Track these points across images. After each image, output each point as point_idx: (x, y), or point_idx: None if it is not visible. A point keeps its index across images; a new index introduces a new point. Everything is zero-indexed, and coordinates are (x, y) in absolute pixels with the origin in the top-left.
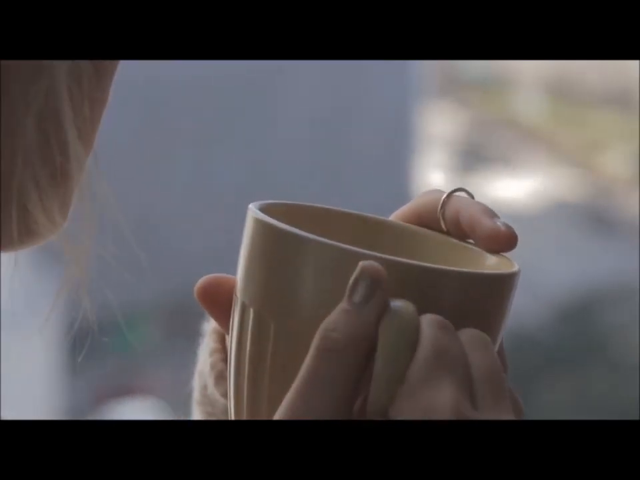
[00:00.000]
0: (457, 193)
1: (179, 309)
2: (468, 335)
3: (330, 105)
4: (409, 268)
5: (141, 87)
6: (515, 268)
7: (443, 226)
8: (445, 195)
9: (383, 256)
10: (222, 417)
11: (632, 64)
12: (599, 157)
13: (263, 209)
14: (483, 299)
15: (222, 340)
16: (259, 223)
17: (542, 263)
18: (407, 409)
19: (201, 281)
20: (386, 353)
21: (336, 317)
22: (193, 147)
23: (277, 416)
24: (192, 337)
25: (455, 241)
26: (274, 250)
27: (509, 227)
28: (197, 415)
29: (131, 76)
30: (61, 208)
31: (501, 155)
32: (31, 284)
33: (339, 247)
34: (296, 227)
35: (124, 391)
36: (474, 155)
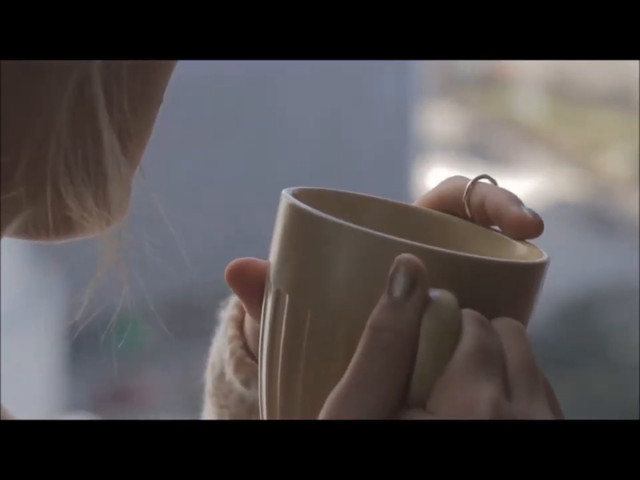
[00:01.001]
0: (482, 180)
1: (179, 308)
2: (503, 324)
3: (330, 104)
4: (446, 257)
5: None
6: (545, 256)
7: (468, 212)
8: (470, 182)
9: (419, 244)
10: (234, 409)
11: (632, 64)
12: (599, 157)
13: (296, 195)
14: (517, 288)
15: (240, 327)
16: (293, 209)
17: None
18: (445, 402)
19: (232, 264)
20: (428, 345)
21: (381, 314)
22: (194, 147)
23: (324, 413)
24: (192, 337)
25: (482, 228)
26: (310, 237)
27: (535, 214)
28: (208, 407)
29: None
30: (96, 197)
31: (501, 154)
32: (31, 284)
33: (375, 234)
34: (328, 213)
35: (123, 391)
36: (474, 155)
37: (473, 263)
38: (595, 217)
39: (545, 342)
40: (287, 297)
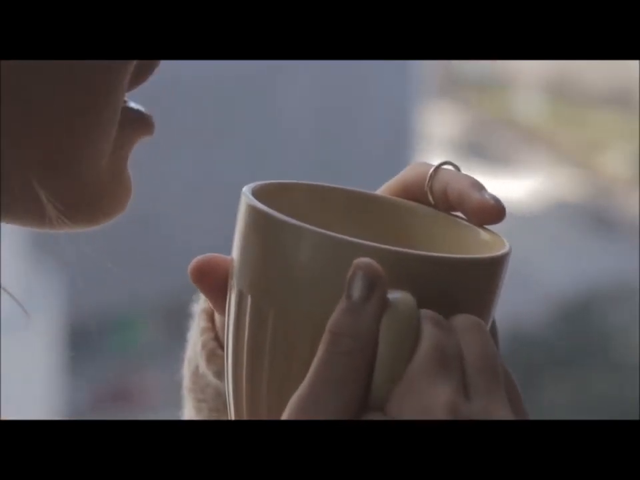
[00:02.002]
0: (445, 166)
1: (178, 308)
2: (461, 321)
3: (330, 104)
4: (404, 256)
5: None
6: (506, 246)
7: (431, 199)
8: (432, 169)
9: (376, 245)
10: (212, 403)
11: (632, 64)
12: (599, 157)
13: (256, 192)
14: (478, 283)
15: (211, 319)
16: (252, 209)
17: (542, 262)
18: (404, 406)
19: (195, 261)
20: (386, 349)
21: (340, 319)
22: (194, 146)
23: (286, 415)
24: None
25: (445, 215)
26: (268, 239)
27: (497, 200)
28: (187, 403)
29: None
30: (82, 194)
31: (501, 154)
32: (31, 284)
33: (332, 236)
34: (290, 206)
35: (123, 391)
36: (474, 155)
37: (432, 261)
38: (595, 217)
39: (545, 342)
40: (249, 297)
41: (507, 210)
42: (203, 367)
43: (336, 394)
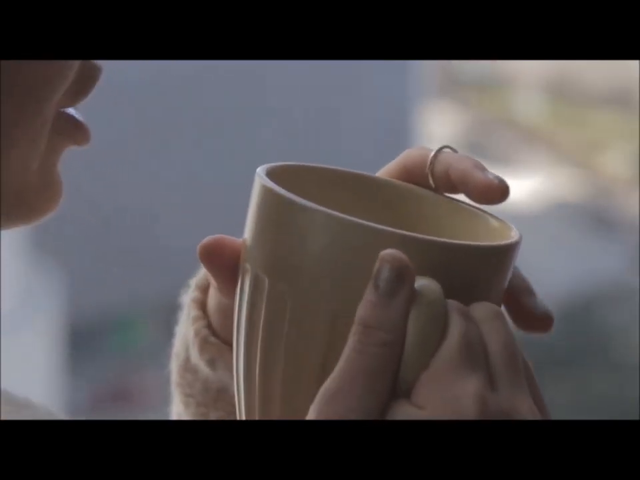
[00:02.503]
0: (444, 150)
1: (178, 308)
2: (482, 310)
3: (330, 104)
4: (423, 243)
5: (137, 84)
6: (516, 231)
7: (431, 182)
8: (433, 151)
9: (396, 231)
10: (200, 398)
11: (632, 64)
12: (599, 157)
13: (270, 173)
14: (494, 270)
15: (203, 308)
16: (268, 191)
17: (542, 262)
18: (431, 396)
19: (205, 241)
20: (415, 338)
21: (371, 312)
22: (193, 146)
23: (315, 407)
24: None
25: (451, 200)
26: (285, 221)
27: (500, 179)
28: (175, 398)
29: (124, 72)
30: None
31: (501, 154)
32: (31, 284)
33: (351, 220)
34: (302, 188)
35: (123, 391)
36: (474, 155)
37: (452, 248)
38: (595, 217)
39: (545, 342)
40: (267, 281)
41: (507, 210)
42: (196, 356)
43: (369, 385)
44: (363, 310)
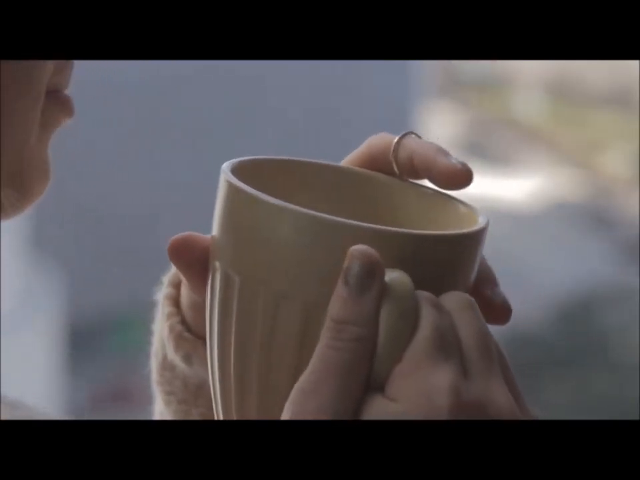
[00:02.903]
0: (407, 136)
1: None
2: (453, 299)
3: (330, 104)
4: (388, 235)
5: (137, 84)
6: (483, 217)
7: (395, 168)
8: (396, 138)
9: (362, 224)
10: (180, 395)
11: (632, 64)
12: (599, 157)
13: (235, 169)
14: (463, 257)
15: (176, 304)
16: (233, 188)
17: (542, 262)
18: (404, 389)
19: (174, 239)
20: (387, 332)
21: (343, 307)
22: (193, 146)
23: (290, 404)
24: None
25: (416, 186)
26: (251, 217)
27: (464, 164)
28: (157, 397)
29: (124, 72)
30: None
31: (501, 154)
32: (31, 284)
33: (317, 216)
34: (267, 182)
35: (123, 391)
36: (474, 155)
37: (420, 238)
38: (595, 217)
39: (545, 342)
40: (237, 279)
41: (507, 210)
42: (171, 353)
43: (343, 382)
44: (334, 306)
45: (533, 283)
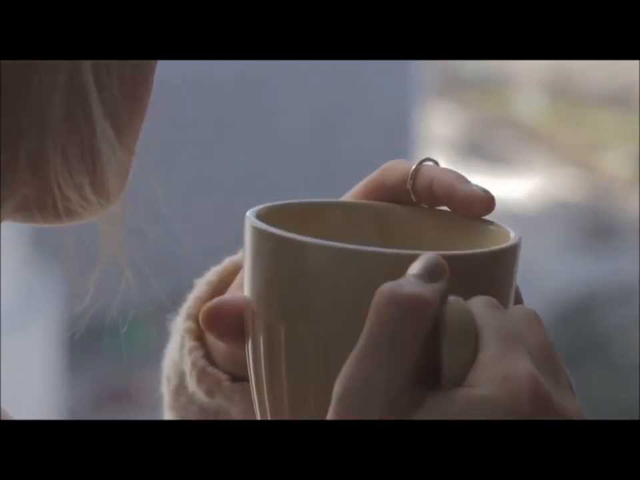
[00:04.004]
0: (425, 163)
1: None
2: (518, 312)
3: (330, 104)
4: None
5: None
6: (513, 233)
7: (413, 197)
8: (413, 166)
9: (399, 251)
10: (195, 419)
11: (632, 64)
12: (598, 157)
13: (258, 217)
14: (500, 274)
15: (198, 337)
16: (267, 236)
17: (542, 263)
18: (485, 375)
19: (206, 312)
20: (453, 342)
21: (398, 281)
22: (193, 146)
23: (342, 378)
24: None
25: (440, 212)
26: (296, 263)
27: (486, 191)
28: (169, 419)
29: None
30: (94, 186)
31: (501, 154)
32: (31, 284)
33: (354, 249)
34: (296, 226)
35: (123, 391)
36: (474, 155)
37: (464, 259)
38: (595, 218)
39: None
40: (283, 328)
41: (507, 210)
42: (193, 386)
43: (396, 350)
44: (390, 285)
45: (532, 282)
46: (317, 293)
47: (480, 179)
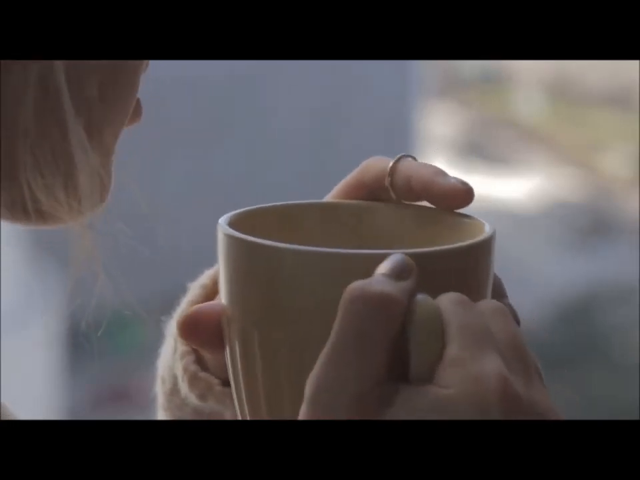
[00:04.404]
0: (402, 159)
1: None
2: (484, 305)
3: (329, 104)
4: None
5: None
6: (488, 226)
7: (392, 194)
8: (390, 163)
9: (372, 252)
10: (190, 419)
11: (632, 64)
12: (598, 157)
13: (232, 223)
14: (474, 268)
15: None
16: (237, 242)
17: (541, 262)
18: (453, 376)
19: (183, 322)
20: (419, 337)
21: (366, 280)
22: (189, 145)
23: (312, 377)
24: None
25: (416, 207)
26: (266, 268)
27: (464, 183)
28: (162, 419)
29: None
30: (67, 189)
31: (501, 154)
32: (31, 284)
33: (323, 252)
34: (273, 230)
35: (123, 391)
36: (474, 155)
37: (432, 256)
38: (595, 218)
39: (544, 342)
40: (256, 333)
41: (507, 210)
42: (185, 390)
43: (364, 350)
44: (358, 284)
45: (532, 282)
46: (288, 298)
47: (480, 178)
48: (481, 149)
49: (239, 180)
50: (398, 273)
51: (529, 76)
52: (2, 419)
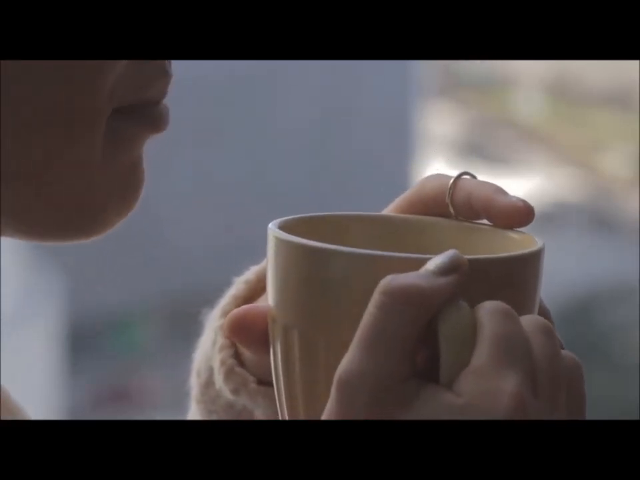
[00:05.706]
0: (463, 177)
1: (177, 309)
2: (529, 321)
3: (330, 105)
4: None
5: None
6: (538, 240)
7: (452, 211)
8: (451, 180)
9: (417, 256)
10: (223, 414)
11: (632, 64)
12: (598, 157)
13: (282, 227)
14: (524, 277)
15: None
16: (284, 243)
17: None
18: (471, 385)
19: (232, 320)
20: (448, 341)
21: (405, 275)
22: (194, 146)
23: (341, 370)
24: (190, 337)
25: (469, 224)
26: (311, 269)
27: (525, 201)
28: (196, 413)
29: None
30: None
31: (501, 154)
32: (31, 284)
33: (376, 254)
34: (318, 239)
35: (123, 391)
36: (474, 155)
37: (485, 263)
38: (595, 217)
39: None
40: (296, 331)
41: None
42: (220, 383)
43: (393, 344)
44: (393, 278)
45: None
46: (328, 299)
47: (480, 178)
48: (481, 149)
49: (239, 180)
50: (445, 269)
51: (529, 76)
52: (4, 405)
